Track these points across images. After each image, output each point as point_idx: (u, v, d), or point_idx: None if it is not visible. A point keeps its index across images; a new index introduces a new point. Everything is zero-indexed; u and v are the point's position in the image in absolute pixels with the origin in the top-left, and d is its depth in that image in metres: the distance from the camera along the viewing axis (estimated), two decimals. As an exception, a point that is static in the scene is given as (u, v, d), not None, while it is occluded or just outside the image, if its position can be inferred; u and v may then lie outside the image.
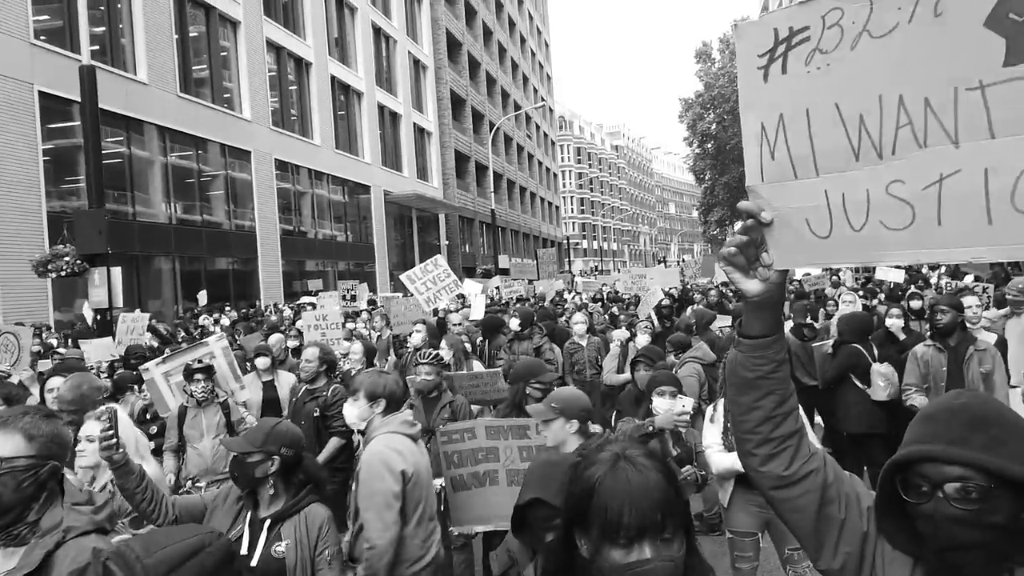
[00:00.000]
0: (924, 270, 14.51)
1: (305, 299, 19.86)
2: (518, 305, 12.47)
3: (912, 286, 12.07)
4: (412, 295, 9.75)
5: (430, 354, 5.24)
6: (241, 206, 23.42)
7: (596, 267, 75.03)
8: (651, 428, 4.21)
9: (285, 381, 6.34)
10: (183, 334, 13.21)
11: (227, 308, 17.95)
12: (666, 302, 9.25)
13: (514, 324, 7.76)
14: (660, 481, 1.34)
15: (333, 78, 29.52)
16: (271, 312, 16.96)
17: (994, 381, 5.30)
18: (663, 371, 4.86)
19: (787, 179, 1.40)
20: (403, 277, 9.34)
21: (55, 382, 4.55)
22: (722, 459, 4.18)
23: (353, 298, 15.14)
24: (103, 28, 18.06)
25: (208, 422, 5.22)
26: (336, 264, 29.10)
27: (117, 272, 9.59)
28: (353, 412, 3.41)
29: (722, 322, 8.64)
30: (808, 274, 15.12)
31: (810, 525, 1.42)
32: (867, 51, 1.29)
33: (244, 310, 17.76)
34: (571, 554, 1.44)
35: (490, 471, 3.83)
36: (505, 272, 33.11)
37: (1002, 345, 5.88)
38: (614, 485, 1.33)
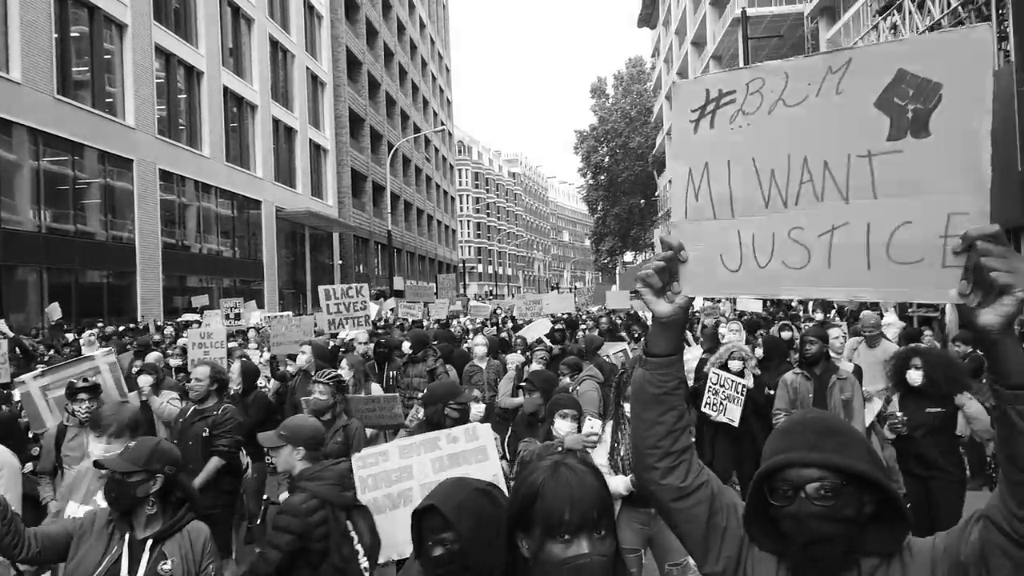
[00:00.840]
0: (794, 303, 15.49)
1: (188, 316, 18.98)
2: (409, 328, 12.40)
3: (775, 318, 12.83)
4: (297, 316, 9.56)
5: (327, 373, 5.14)
6: (120, 216, 22.13)
7: (491, 291, 75.56)
8: (559, 448, 4.28)
9: (157, 400, 6.06)
10: (47, 350, 12.30)
11: (100, 324, 16.83)
12: (559, 327, 9.45)
13: (406, 347, 7.70)
14: (596, 484, 1.49)
15: (226, 89, 28.56)
16: (151, 329, 16.05)
17: (853, 407, 5.81)
18: (564, 394, 4.97)
19: (706, 218, 1.63)
20: (321, 289, 9.07)
21: None
22: (610, 481, 4.32)
23: (237, 316, 14.56)
24: (-29, 21, 16.82)
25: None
26: (221, 280, 27.94)
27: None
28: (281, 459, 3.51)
29: (612, 348, 8.92)
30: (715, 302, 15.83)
31: (700, 533, 1.57)
32: (781, 116, 1.54)
33: (123, 326, 16.70)
34: (513, 555, 1.53)
35: (404, 491, 3.79)
36: (399, 294, 32.81)
37: (857, 372, 6.48)
38: (556, 486, 1.47)
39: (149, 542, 2.71)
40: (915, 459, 5.02)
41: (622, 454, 4.39)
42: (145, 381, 5.97)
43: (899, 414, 5.01)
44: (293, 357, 7.60)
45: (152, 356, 7.27)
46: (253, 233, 30.89)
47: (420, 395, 5.61)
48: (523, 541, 1.50)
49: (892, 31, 16.52)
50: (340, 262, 39.79)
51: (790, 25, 34.89)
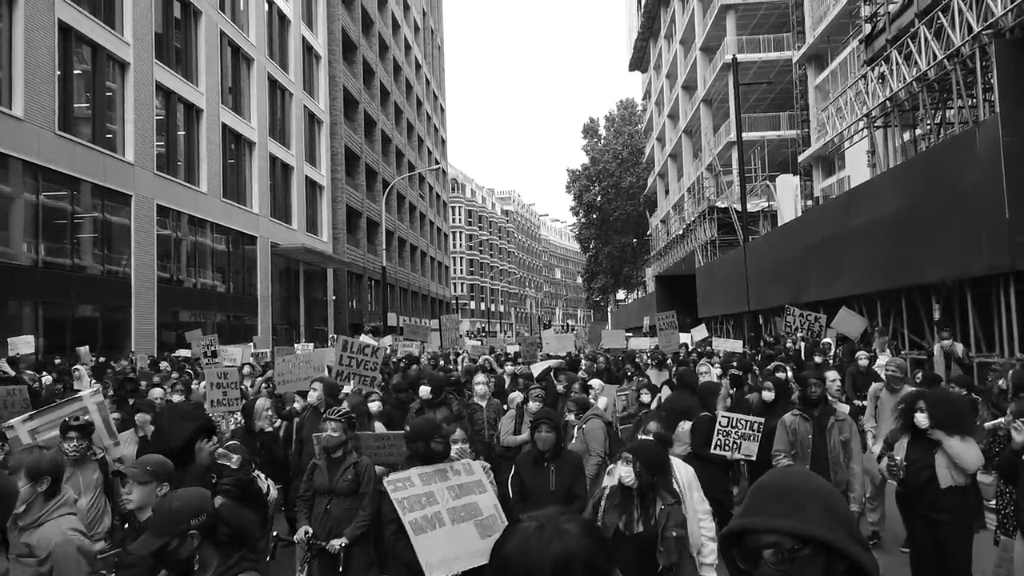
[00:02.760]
0: (788, 343, 15.58)
1: (181, 352, 18.90)
2: (415, 367, 12.31)
3: (757, 359, 12.94)
4: (300, 353, 9.50)
5: (338, 410, 5.19)
6: (116, 251, 22.18)
7: (483, 328, 75.51)
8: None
9: (131, 438, 6.11)
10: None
11: (92, 355, 16.75)
12: (563, 365, 9.52)
13: (424, 391, 7.24)
14: (583, 547, 1.34)
15: (225, 126, 28.87)
16: (131, 366, 15.78)
17: (851, 448, 5.86)
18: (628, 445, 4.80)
19: None
20: (340, 338, 8.79)
21: None
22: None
23: (214, 354, 14.33)
24: (-23, 57, 17.05)
25: (86, 481, 4.92)
26: (215, 316, 27.89)
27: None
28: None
29: (610, 390, 9.01)
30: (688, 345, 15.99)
31: None
32: None
33: (103, 361, 16.50)
34: None
35: (435, 513, 4.02)
36: (393, 330, 32.79)
37: (853, 413, 6.58)
38: (534, 552, 1.33)
39: None
40: (923, 502, 4.99)
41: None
42: (143, 419, 5.99)
43: (898, 458, 5.00)
44: (303, 394, 7.58)
45: (156, 392, 7.27)
46: (248, 268, 30.93)
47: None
48: None
49: (880, 81, 16.97)
50: (334, 298, 39.79)
51: (779, 71, 35.71)
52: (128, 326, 22.12)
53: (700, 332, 16.24)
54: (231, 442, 5.49)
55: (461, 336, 25.02)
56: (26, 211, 18.64)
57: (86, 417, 5.30)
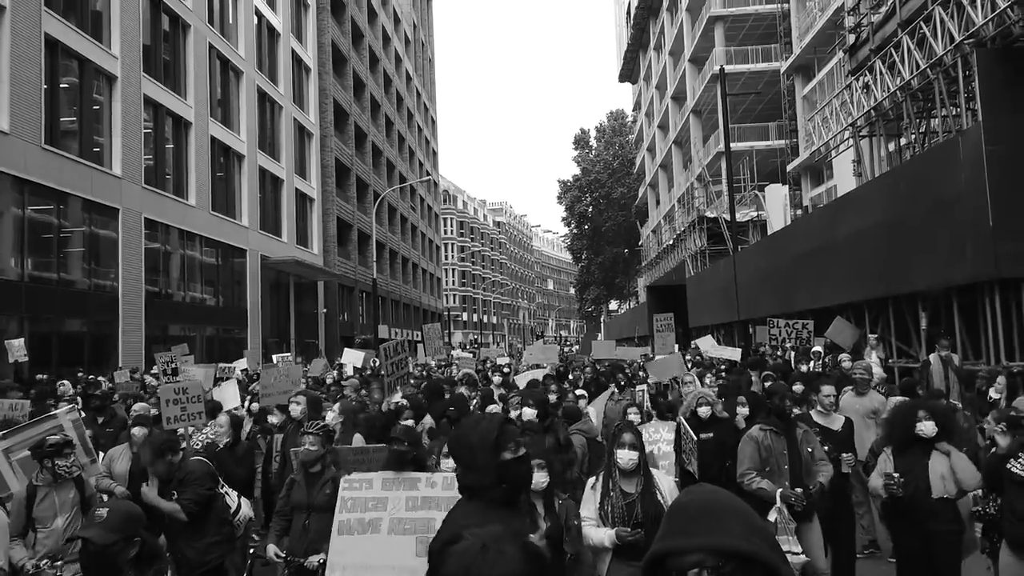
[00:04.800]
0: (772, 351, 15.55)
1: (161, 357, 18.41)
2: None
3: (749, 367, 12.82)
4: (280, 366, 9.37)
5: (316, 424, 5.14)
6: (103, 265, 22.06)
7: (476, 340, 75.36)
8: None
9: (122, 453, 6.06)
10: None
11: (79, 374, 16.58)
12: (551, 373, 9.47)
13: (528, 414, 6.46)
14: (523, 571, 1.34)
15: (213, 139, 28.82)
16: (110, 381, 15.51)
17: (816, 458, 5.60)
18: (535, 445, 4.97)
19: None
20: (382, 347, 8.43)
21: None
22: (596, 534, 4.33)
23: (175, 371, 14.06)
24: (-38, 72, 16.97)
25: (62, 500, 4.85)
26: (204, 329, 27.73)
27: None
28: None
29: (599, 400, 8.96)
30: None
31: None
32: None
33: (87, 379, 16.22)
34: None
35: (375, 519, 4.09)
36: (383, 342, 32.66)
37: (848, 426, 6.35)
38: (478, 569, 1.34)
39: None
40: (914, 513, 4.93)
41: (613, 502, 4.41)
42: (139, 432, 5.93)
43: (896, 475, 4.91)
44: (283, 408, 7.50)
45: (139, 406, 7.19)
46: (237, 281, 30.80)
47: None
48: None
49: (864, 91, 17.08)
50: (325, 310, 39.65)
51: (767, 82, 35.94)
52: (116, 341, 21.96)
53: (706, 343, 15.83)
54: (193, 458, 5.43)
55: (445, 345, 24.86)
56: (13, 225, 18.52)
57: (56, 437, 5.19)
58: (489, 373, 13.95)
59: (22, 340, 14.93)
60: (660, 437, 6.80)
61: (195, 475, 5.06)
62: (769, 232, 28.63)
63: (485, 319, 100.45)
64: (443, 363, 19.59)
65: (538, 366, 13.56)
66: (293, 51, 37.88)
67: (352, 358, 17.89)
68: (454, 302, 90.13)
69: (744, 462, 5.42)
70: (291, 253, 34.55)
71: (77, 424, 5.51)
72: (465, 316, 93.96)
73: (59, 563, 4.55)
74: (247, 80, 31.93)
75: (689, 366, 12.91)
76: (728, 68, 30.72)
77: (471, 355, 23.79)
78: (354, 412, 7.22)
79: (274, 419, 7.64)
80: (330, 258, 40.66)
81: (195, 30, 27.63)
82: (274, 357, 18.95)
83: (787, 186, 31.63)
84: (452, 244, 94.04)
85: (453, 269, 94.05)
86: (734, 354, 14.26)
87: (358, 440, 6.58)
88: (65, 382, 11.41)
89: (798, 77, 31.88)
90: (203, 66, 28.16)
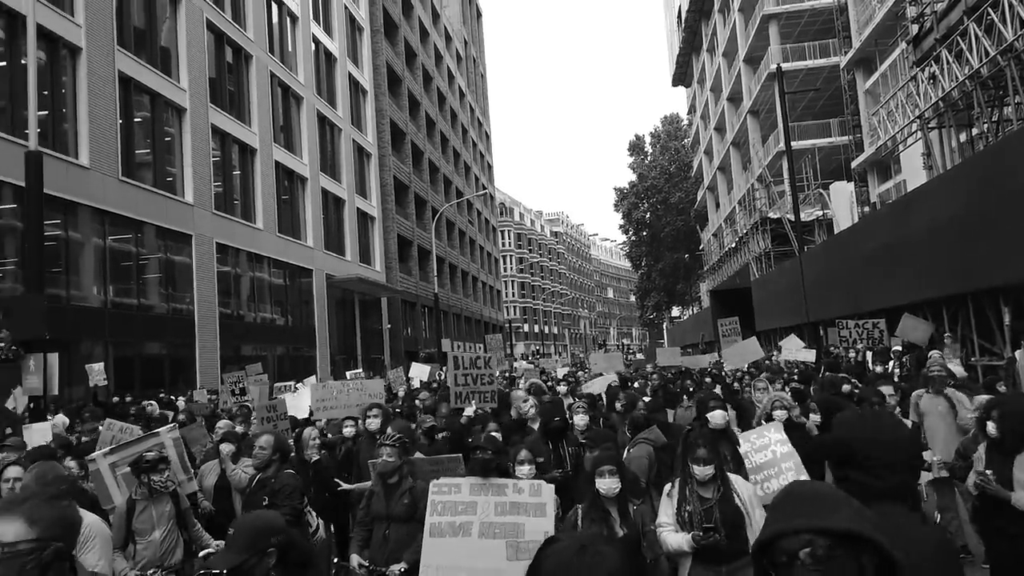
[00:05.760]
0: (851, 353, 15.12)
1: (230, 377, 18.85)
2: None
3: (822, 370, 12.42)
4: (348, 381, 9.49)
5: (393, 436, 5.26)
6: (179, 290, 22.99)
7: (538, 351, 75.36)
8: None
9: (231, 467, 6.25)
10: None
11: (161, 395, 17.27)
12: (616, 383, 9.44)
13: (581, 422, 6.61)
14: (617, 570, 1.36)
15: (278, 164, 29.77)
16: (189, 401, 15.99)
17: None
18: (606, 451, 5.00)
19: None
20: (450, 356, 8.21)
21: (13, 471, 4.42)
22: (673, 539, 4.32)
23: (243, 391, 14.41)
24: (46, 112, 17.97)
25: (159, 513, 5.08)
26: (275, 348, 28.55)
27: (54, 358, 9.29)
28: None
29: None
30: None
31: None
32: None
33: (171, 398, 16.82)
34: None
35: (465, 523, 4.26)
36: (446, 357, 33.01)
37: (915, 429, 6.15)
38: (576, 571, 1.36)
39: None
40: (1002, 515, 4.72)
41: (691, 508, 4.41)
42: (227, 449, 6.17)
43: (988, 472, 4.74)
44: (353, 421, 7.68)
45: (223, 423, 7.48)
46: (305, 301, 31.64)
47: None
48: None
49: (931, 81, 16.53)
50: (389, 326, 40.32)
51: (826, 78, 35.10)
52: (193, 362, 22.82)
53: (792, 343, 15.28)
54: (287, 471, 5.61)
55: (508, 356, 24.81)
56: (95, 255, 19.49)
57: (152, 454, 5.45)
58: (553, 383, 13.96)
59: (101, 365, 15.47)
60: (770, 440, 6.57)
61: (289, 488, 5.23)
62: (836, 231, 27.89)
63: (546, 330, 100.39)
64: (506, 375, 19.67)
65: (601, 374, 13.52)
66: (350, 74, 38.86)
67: (419, 372, 18.15)
68: (514, 314, 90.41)
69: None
70: (355, 271, 35.32)
71: (177, 442, 5.79)
72: (526, 327, 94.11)
73: (157, 574, 4.78)
74: (307, 105, 32.90)
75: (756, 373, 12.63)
76: (785, 66, 30.16)
77: (533, 366, 23.83)
78: (409, 430, 7.34)
79: (349, 431, 7.80)
80: (392, 274, 41.38)
81: (257, 60, 28.66)
82: (348, 375, 19.35)
83: (852, 183, 30.77)
84: (510, 256, 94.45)
85: (512, 281, 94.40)
86: (808, 355, 13.90)
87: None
88: (152, 403, 11.91)
89: (859, 71, 31.03)
90: (265, 94, 29.15)
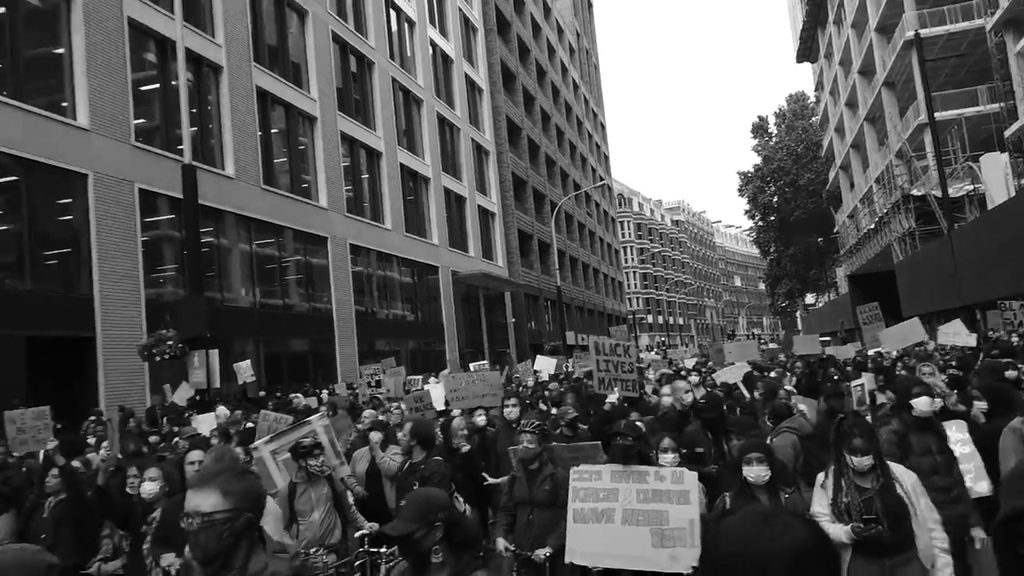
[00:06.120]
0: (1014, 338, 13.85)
1: (366, 370, 19.60)
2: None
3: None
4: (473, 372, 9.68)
5: (533, 423, 5.34)
6: (318, 290, 24.31)
7: (663, 342, 74.07)
8: None
9: (380, 454, 6.54)
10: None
11: (306, 388, 18.29)
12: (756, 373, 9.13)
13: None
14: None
15: (402, 166, 30.82)
16: (331, 394, 16.74)
17: None
18: (753, 439, 4.85)
19: None
20: (592, 341, 8.20)
21: (195, 455, 4.88)
22: (831, 529, 4.12)
23: (378, 383, 14.86)
24: (195, 128, 19.46)
25: (317, 496, 5.40)
26: (406, 343, 29.63)
27: (215, 355, 10.07)
28: None
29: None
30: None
31: None
32: None
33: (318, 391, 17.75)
34: None
35: (607, 509, 4.30)
36: (571, 349, 33.09)
37: None
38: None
39: None
40: None
41: (847, 500, 4.20)
42: (376, 437, 6.49)
43: None
44: (472, 411, 7.90)
45: (368, 413, 7.87)
46: (432, 297, 32.63)
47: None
48: None
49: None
50: (513, 320, 40.87)
51: (971, 42, 32.28)
52: (333, 358, 24.09)
53: (954, 328, 13.92)
54: (435, 458, 5.81)
55: (632, 347, 24.37)
56: (241, 259, 20.95)
57: (307, 440, 5.80)
58: (683, 372, 13.68)
59: (248, 362, 16.50)
60: (952, 439, 6.14)
61: (438, 475, 5.42)
62: (989, 206, 25.65)
63: (671, 320, 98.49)
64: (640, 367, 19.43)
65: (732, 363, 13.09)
66: (466, 74, 39.62)
67: (545, 364, 18.26)
68: (637, 305, 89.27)
69: (1009, 456, 4.93)
70: (478, 267, 36.05)
71: (327, 429, 6.15)
72: (650, 318, 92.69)
73: (322, 551, 5.09)
74: (427, 107, 33.85)
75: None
76: (923, 32, 28.02)
77: (661, 356, 23.44)
78: (546, 418, 7.39)
79: (481, 420, 7.97)
80: (514, 269, 41.90)
81: (379, 66, 29.76)
82: (471, 366, 19.82)
83: (1007, 153, 28.14)
84: (631, 247, 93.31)
85: (634, 272, 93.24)
86: (970, 340, 12.78)
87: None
88: (299, 395, 12.69)
89: (1008, 33, 28.28)
90: (388, 99, 30.25)
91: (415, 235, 31.29)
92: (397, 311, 29.88)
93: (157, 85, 18.85)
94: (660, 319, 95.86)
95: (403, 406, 8.43)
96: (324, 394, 15.90)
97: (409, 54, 33.57)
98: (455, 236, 35.66)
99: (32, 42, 15.82)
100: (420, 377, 17.56)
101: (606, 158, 74.64)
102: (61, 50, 15.99)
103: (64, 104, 15.84)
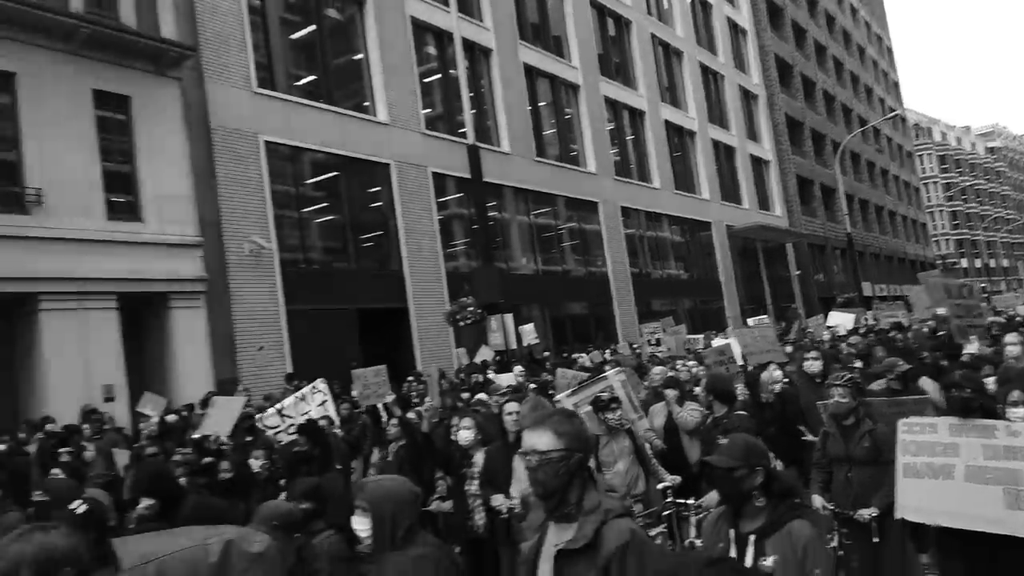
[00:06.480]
0: None
1: (647, 327, 19.62)
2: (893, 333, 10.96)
3: None
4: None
5: (843, 376, 4.99)
6: (592, 254, 24.91)
7: (985, 288, 64.51)
8: None
9: (677, 409, 6.54)
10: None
11: (590, 349, 18.85)
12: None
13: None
14: None
15: (667, 122, 30.20)
16: (613, 353, 16.93)
17: None
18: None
19: None
20: (940, 283, 7.90)
21: (511, 407, 5.35)
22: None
23: (658, 342, 14.58)
24: (473, 111, 20.87)
25: (619, 448, 5.55)
26: (682, 302, 29.24)
27: (510, 318, 10.83)
28: None
29: None
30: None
31: None
32: None
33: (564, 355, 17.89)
34: None
35: (946, 465, 3.93)
36: (868, 301, 30.18)
37: None
38: None
39: (752, 537, 2.77)
40: None
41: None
42: (672, 394, 6.55)
43: None
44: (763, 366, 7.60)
45: (658, 370, 7.94)
46: (707, 254, 31.77)
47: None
48: None
49: None
50: (798, 272, 38.36)
51: None
52: (612, 319, 24.63)
53: None
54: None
55: (976, 287, 21.63)
56: (520, 229, 22.18)
57: (604, 395, 5.98)
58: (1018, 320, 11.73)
59: (532, 325, 17.36)
60: None
61: (743, 429, 5.34)
62: None
63: (991, 263, 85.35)
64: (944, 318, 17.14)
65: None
66: (727, 17, 37.49)
67: (840, 320, 16.85)
68: (947, 248, 78.61)
69: None
70: (754, 219, 34.31)
71: (624, 384, 6.35)
72: (964, 262, 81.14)
73: (625, 500, 5.24)
74: (688, 58, 32.68)
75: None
76: None
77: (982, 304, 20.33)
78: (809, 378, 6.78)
79: (777, 374, 7.59)
80: (795, 218, 39.19)
81: (636, 24, 29.31)
82: (748, 321, 19.06)
83: None
84: (935, 183, 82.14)
85: (940, 211, 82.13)
86: None
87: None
88: (583, 355, 13.18)
89: None
90: (648, 56, 29.73)
91: (684, 192, 30.61)
92: (671, 270, 29.61)
93: (439, 76, 20.56)
94: (978, 262, 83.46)
95: (707, 360, 8.44)
96: (607, 353, 16.28)
97: (666, 6, 32.60)
98: (727, 189, 34.23)
99: (337, 52, 18.23)
100: (701, 336, 17.28)
101: (896, 85, 66.32)
102: (359, 56, 18.17)
103: (366, 104, 18.06)
